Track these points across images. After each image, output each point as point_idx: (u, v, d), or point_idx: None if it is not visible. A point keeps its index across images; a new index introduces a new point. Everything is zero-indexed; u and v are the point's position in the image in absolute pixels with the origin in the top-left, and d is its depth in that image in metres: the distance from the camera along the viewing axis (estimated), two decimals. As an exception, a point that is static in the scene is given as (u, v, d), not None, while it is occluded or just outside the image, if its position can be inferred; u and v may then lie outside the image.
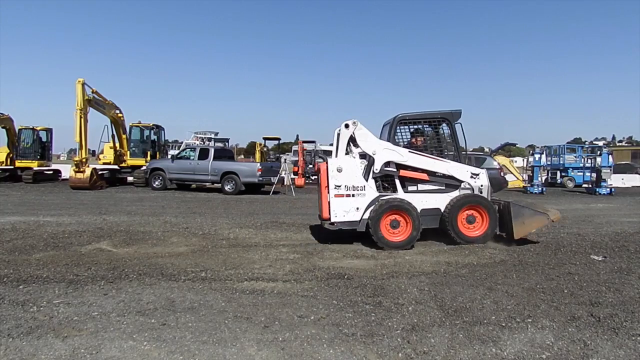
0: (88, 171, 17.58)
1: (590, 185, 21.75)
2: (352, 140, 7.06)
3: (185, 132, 76.49)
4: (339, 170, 6.88)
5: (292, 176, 20.94)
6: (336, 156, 7.12)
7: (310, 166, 25.49)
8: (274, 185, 17.51)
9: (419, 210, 6.89)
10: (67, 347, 3.17)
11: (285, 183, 18.95)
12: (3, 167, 21.80)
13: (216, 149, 19.18)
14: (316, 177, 23.52)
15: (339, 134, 7.17)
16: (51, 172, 23.16)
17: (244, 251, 6.54)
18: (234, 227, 8.78)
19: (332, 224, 6.88)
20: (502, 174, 17.40)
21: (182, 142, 54.39)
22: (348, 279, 5.10)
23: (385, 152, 6.99)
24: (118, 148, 21.09)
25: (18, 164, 21.50)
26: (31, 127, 22.09)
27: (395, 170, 7.07)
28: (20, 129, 21.78)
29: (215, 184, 17.96)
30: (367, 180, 6.97)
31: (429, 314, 3.97)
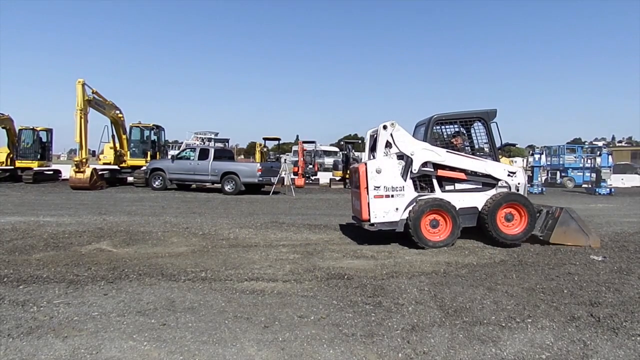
0: (88, 171, 17.58)
1: (590, 186, 21.78)
2: (389, 141, 7.10)
3: (185, 132, 76.58)
4: (378, 172, 6.90)
5: (292, 176, 20.96)
6: (373, 157, 7.18)
7: (310, 166, 25.50)
8: (274, 186, 17.52)
9: (457, 209, 6.96)
10: (67, 347, 3.17)
11: (285, 183, 18.96)
12: (3, 167, 21.80)
13: (216, 149, 19.18)
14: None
15: (373, 135, 7.25)
16: (51, 172, 23.16)
17: (244, 251, 6.54)
18: (234, 227, 8.78)
19: (372, 225, 6.88)
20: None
21: (182, 143, 54.37)
22: (348, 279, 5.10)
23: (424, 153, 7.05)
24: (118, 148, 21.09)
25: (18, 164, 21.49)
26: (31, 127, 22.09)
27: (432, 170, 7.11)
28: (20, 129, 21.78)
29: (215, 184, 17.96)
30: (405, 181, 6.99)
31: (429, 314, 3.97)
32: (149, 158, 20.85)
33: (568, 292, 4.71)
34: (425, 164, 7.06)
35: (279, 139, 27.12)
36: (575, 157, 25.73)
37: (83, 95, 16.73)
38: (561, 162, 25.70)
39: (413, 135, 7.61)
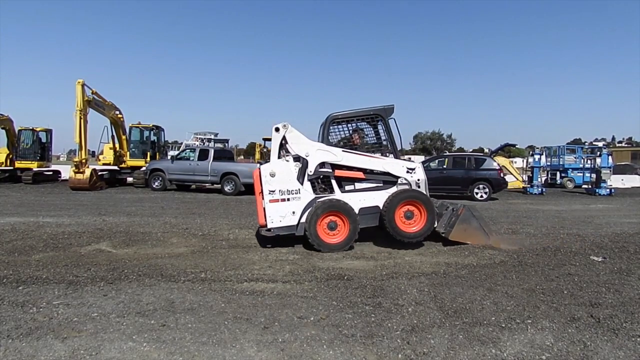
0: (88, 172, 17.57)
1: (590, 186, 21.76)
2: (285, 143, 6.93)
3: (184, 132, 76.51)
4: (272, 175, 6.75)
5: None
6: (270, 161, 7.01)
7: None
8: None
9: (357, 209, 6.81)
10: (67, 348, 3.17)
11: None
12: (3, 167, 21.79)
13: (216, 150, 19.18)
14: None
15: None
16: (51, 172, 23.16)
17: (243, 252, 6.54)
18: (234, 227, 8.78)
19: (269, 230, 6.72)
20: (501, 175, 17.44)
21: (181, 143, 54.35)
22: (348, 279, 5.10)
23: (319, 153, 6.86)
24: (118, 149, 21.09)
25: (18, 164, 21.48)
26: (31, 127, 22.08)
27: (330, 170, 6.92)
28: (20, 130, 21.77)
29: (215, 185, 17.96)
30: (302, 183, 6.82)
31: (429, 315, 3.97)
32: (148, 159, 20.85)
33: (568, 292, 4.71)
34: (322, 165, 6.89)
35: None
36: (575, 157, 25.71)
37: (82, 95, 16.73)
38: (561, 163, 25.68)
39: (317, 136, 7.47)
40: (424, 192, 7.03)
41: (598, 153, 22.39)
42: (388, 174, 7.03)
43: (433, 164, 18.12)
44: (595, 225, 9.90)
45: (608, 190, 19.76)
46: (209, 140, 52.27)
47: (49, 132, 22.96)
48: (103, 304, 4.14)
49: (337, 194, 6.92)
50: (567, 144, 31.69)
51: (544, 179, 24.33)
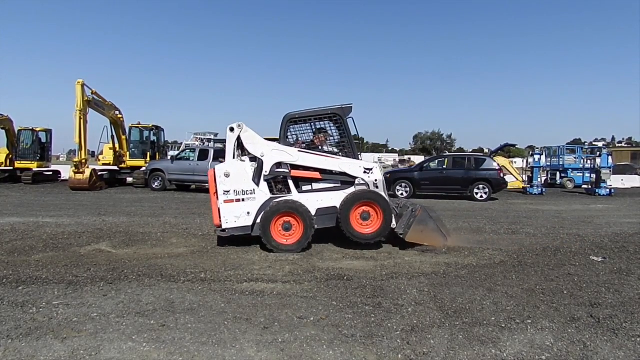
0: (87, 172, 17.56)
1: (589, 186, 21.75)
2: (241, 143, 6.90)
3: (184, 133, 76.57)
4: (227, 176, 6.70)
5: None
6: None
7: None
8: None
9: (315, 210, 6.74)
10: (67, 349, 3.17)
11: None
12: (2, 168, 21.77)
13: (216, 150, 19.14)
14: None
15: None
16: (51, 173, 23.14)
17: (243, 252, 6.54)
18: (234, 228, 8.76)
19: (224, 230, 6.69)
20: (501, 175, 17.43)
21: (181, 143, 54.38)
22: (348, 280, 5.10)
23: (274, 153, 6.80)
24: (117, 149, 21.07)
25: (17, 164, 21.46)
26: (31, 128, 22.06)
27: (287, 171, 6.85)
28: (19, 130, 21.75)
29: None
30: (258, 184, 6.77)
31: (429, 315, 3.97)
32: (148, 159, 20.84)
33: (568, 293, 4.71)
34: (279, 165, 6.84)
35: (278, 140, 27.11)
36: (575, 157, 25.70)
37: (82, 95, 16.72)
38: (561, 163, 25.68)
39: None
40: (381, 193, 6.88)
41: (598, 153, 22.39)
42: (345, 174, 6.92)
43: (433, 164, 18.14)
44: (595, 226, 9.90)
45: (608, 190, 19.76)
46: (209, 140, 52.30)
47: (48, 132, 22.95)
48: (103, 304, 4.13)
49: (294, 195, 6.85)
50: (567, 144, 31.69)
51: (543, 179, 24.33)
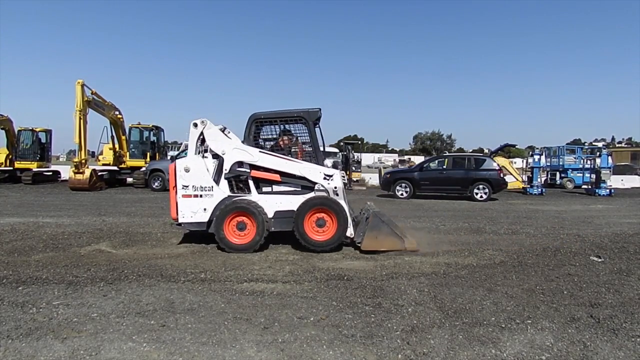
0: (87, 172, 17.56)
1: (589, 187, 21.75)
2: (204, 140, 6.91)
3: (184, 133, 76.48)
4: (187, 170, 6.72)
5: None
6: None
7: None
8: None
9: (273, 212, 6.71)
10: (67, 349, 3.17)
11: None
12: (2, 168, 21.76)
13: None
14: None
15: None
16: (50, 173, 23.13)
17: (243, 252, 6.53)
18: (234, 228, 8.76)
19: (180, 224, 6.78)
20: (501, 175, 17.43)
21: (181, 143, 54.32)
22: (348, 280, 5.10)
23: (235, 152, 6.77)
24: (117, 149, 21.06)
25: (17, 165, 21.45)
26: (30, 128, 22.05)
27: (247, 170, 6.81)
28: (19, 130, 21.75)
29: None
30: (218, 181, 6.77)
31: (429, 315, 3.97)
32: (148, 159, 20.84)
33: (568, 293, 4.71)
34: (241, 164, 6.81)
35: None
36: (575, 158, 25.70)
37: (82, 96, 16.71)
38: (561, 163, 25.67)
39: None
40: (338, 201, 6.69)
41: (598, 153, 22.41)
42: (305, 179, 6.81)
43: (433, 165, 18.14)
44: (595, 226, 9.90)
45: (608, 190, 19.76)
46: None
47: (48, 132, 22.94)
48: (103, 304, 4.13)
49: (254, 195, 6.81)
50: (567, 144, 31.67)
51: (543, 179, 24.32)
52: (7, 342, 3.26)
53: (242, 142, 6.98)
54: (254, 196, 6.80)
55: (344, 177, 7.26)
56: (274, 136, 7.27)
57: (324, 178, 6.79)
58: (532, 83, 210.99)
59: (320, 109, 7.06)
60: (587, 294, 4.67)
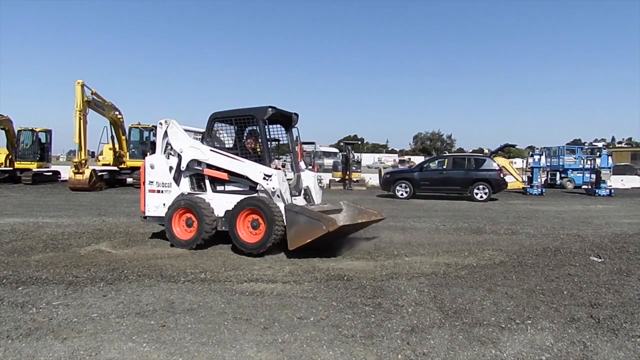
0: (87, 172, 17.59)
1: (589, 187, 21.76)
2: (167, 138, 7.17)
3: (184, 133, 76.13)
4: (152, 167, 7.13)
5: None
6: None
7: (310, 167, 25.49)
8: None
9: (223, 211, 6.65)
10: (67, 349, 3.16)
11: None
12: (2, 168, 21.78)
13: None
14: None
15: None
16: (50, 173, 23.15)
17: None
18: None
19: (145, 217, 7.22)
20: (501, 176, 17.44)
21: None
22: (347, 280, 5.10)
23: (191, 150, 6.94)
24: (117, 149, 21.09)
25: (17, 165, 21.48)
26: (30, 128, 22.08)
27: (199, 168, 6.95)
28: (19, 130, 21.78)
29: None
30: (179, 178, 7.05)
31: (429, 316, 3.97)
32: (148, 159, 20.83)
33: (568, 293, 4.71)
34: (197, 163, 6.92)
35: (278, 140, 27.12)
36: (575, 158, 25.71)
37: (82, 96, 16.74)
38: (561, 163, 25.69)
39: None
40: (268, 202, 6.31)
41: (598, 154, 22.41)
42: (248, 178, 6.68)
43: (433, 165, 18.15)
44: (595, 226, 9.90)
45: (608, 190, 19.77)
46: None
47: (48, 132, 22.96)
48: (103, 304, 4.13)
49: (209, 193, 6.94)
50: (567, 144, 31.65)
51: (543, 179, 24.33)
52: (7, 342, 3.26)
53: (201, 140, 7.14)
54: (208, 194, 6.92)
55: (290, 179, 7.12)
56: (232, 135, 7.38)
57: (264, 178, 6.58)
58: (532, 83, 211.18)
59: (269, 108, 6.82)
60: (587, 294, 4.67)
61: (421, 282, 5.07)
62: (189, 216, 6.73)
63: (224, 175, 6.89)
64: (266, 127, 7.06)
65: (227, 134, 7.49)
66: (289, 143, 7.61)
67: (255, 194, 6.60)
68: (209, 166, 6.93)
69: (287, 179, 6.91)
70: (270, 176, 6.57)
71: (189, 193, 6.96)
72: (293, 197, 6.92)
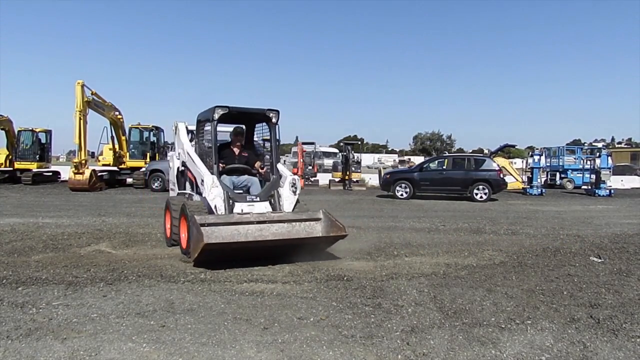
0: (87, 173, 17.56)
1: (589, 187, 21.76)
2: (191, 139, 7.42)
3: (184, 133, 76.05)
4: (170, 167, 7.84)
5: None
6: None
7: (310, 167, 25.50)
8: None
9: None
10: (66, 349, 3.16)
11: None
12: (2, 168, 21.77)
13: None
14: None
15: None
16: (50, 173, 23.15)
17: (243, 253, 6.52)
18: (234, 228, 8.75)
19: None
20: (501, 176, 17.44)
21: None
22: (347, 280, 5.10)
23: (181, 152, 7.28)
24: (117, 150, 21.08)
25: (17, 165, 21.46)
26: (30, 128, 22.07)
27: (183, 168, 7.29)
28: (19, 131, 21.76)
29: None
30: (180, 178, 7.45)
31: (429, 316, 3.97)
32: (148, 159, 20.84)
33: (568, 293, 4.71)
34: (184, 164, 7.20)
35: (278, 140, 27.11)
36: (574, 158, 25.70)
37: (82, 96, 16.72)
38: (561, 164, 25.70)
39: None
40: (187, 209, 6.04)
41: (597, 154, 22.40)
42: (202, 181, 6.28)
43: (433, 165, 18.16)
44: (595, 226, 9.91)
45: (607, 191, 19.77)
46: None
47: (48, 132, 22.95)
48: (103, 304, 4.13)
49: (195, 195, 6.91)
50: (567, 144, 31.68)
51: (543, 179, 24.34)
52: (6, 343, 3.25)
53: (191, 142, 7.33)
54: (195, 196, 6.90)
55: (244, 182, 6.76)
56: (208, 136, 7.08)
57: (201, 182, 6.28)
58: (532, 83, 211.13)
59: (214, 107, 6.40)
60: (587, 295, 4.67)
61: (421, 282, 5.07)
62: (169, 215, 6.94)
63: (192, 178, 6.99)
64: (217, 127, 6.49)
65: (206, 135, 7.16)
66: (271, 142, 7.12)
67: (184, 196, 6.99)
68: (186, 167, 7.19)
69: (235, 183, 6.55)
70: (202, 181, 6.23)
71: (178, 193, 7.32)
72: (253, 203, 6.25)
